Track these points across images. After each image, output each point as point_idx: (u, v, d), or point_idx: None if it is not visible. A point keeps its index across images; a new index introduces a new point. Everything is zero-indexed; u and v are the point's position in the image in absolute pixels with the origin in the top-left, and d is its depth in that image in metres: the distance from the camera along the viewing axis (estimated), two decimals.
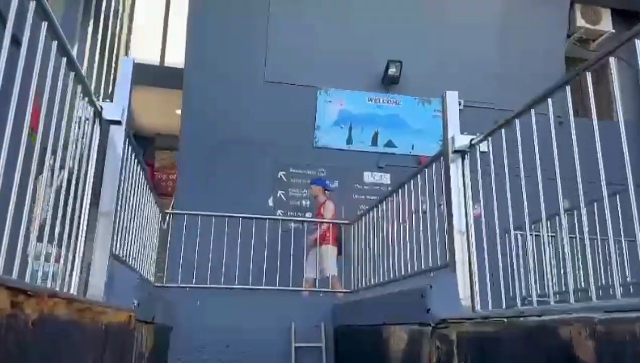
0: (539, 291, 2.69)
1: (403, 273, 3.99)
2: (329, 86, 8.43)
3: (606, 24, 9.35)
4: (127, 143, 3.00)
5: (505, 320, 2.09)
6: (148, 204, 4.28)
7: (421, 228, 3.72)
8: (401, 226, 4.14)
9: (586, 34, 9.45)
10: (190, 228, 5.58)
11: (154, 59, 10.61)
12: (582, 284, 4.72)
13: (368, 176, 8.25)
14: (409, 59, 8.33)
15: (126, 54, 9.01)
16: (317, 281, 6.13)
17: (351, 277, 5.64)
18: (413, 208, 3.92)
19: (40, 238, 2.02)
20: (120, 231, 3.09)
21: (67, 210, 2.34)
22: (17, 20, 1.65)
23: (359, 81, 8.54)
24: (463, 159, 3.18)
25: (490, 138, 2.95)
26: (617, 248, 4.69)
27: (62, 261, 2.34)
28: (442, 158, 3.33)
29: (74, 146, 2.41)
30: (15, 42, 1.65)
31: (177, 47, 9.59)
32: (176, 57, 9.61)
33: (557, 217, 2.43)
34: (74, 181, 2.47)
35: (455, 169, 3.18)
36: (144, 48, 10.45)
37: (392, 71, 8.35)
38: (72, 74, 2.23)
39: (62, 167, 2.27)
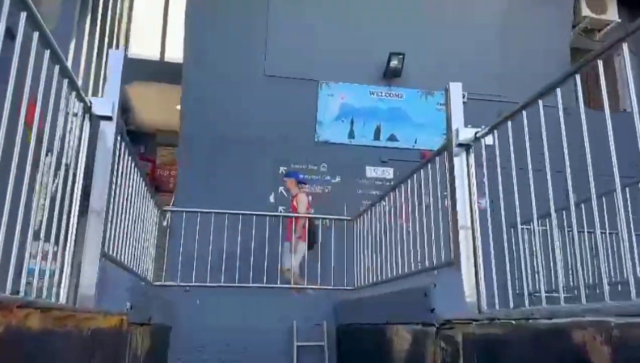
0: (546, 287, 2.58)
1: (406, 271, 3.89)
2: (330, 79, 8.29)
3: (612, 13, 9.20)
4: (118, 139, 2.90)
5: (513, 322, 1.98)
6: (145, 201, 4.18)
7: (425, 224, 3.61)
8: (404, 223, 4.03)
9: (592, 24, 9.32)
10: (190, 225, 5.49)
11: (154, 55, 10.51)
12: (591, 279, 4.60)
13: (370, 171, 8.13)
14: (412, 51, 8.19)
15: (126, 49, 8.89)
16: (319, 280, 6.00)
17: (354, 274, 5.54)
18: (417, 204, 3.81)
19: (25, 236, 1.92)
20: (114, 230, 3.00)
21: (54, 207, 2.25)
22: None
23: (361, 74, 8.39)
24: (467, 152, 3.07)
25: (495, 131, 2.83)
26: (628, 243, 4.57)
27: (49, 259, 2.24)
28: (446, 152, 3.22)
29: (61, 142, 2.31)
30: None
31: (177, 42, 9.48)
32: (176, 53, 9.50)
33: (563, 212, 2.33)
34: (61, 178, 2.37)
35: (459, 163, 3.07)
36: (144, 43, 10.36)
37: (394, 63, 8.19)
38: (57, 68, 2.13)
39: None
